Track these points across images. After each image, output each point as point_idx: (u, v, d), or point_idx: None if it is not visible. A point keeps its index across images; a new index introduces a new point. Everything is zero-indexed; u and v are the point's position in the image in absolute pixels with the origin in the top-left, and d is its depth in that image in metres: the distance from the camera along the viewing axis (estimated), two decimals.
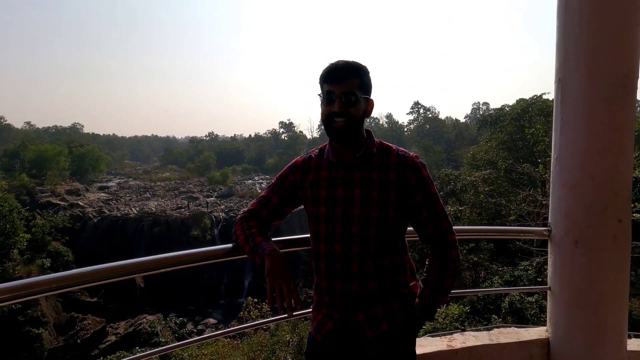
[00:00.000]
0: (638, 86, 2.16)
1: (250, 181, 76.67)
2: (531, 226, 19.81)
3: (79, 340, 23.30)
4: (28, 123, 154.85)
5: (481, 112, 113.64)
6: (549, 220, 2.37)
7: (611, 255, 2.13)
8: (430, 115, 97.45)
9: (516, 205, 22.29)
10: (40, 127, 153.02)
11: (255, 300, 16.11)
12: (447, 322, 14.79)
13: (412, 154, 1.69)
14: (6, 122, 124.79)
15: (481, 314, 16.30)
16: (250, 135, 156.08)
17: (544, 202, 16.11)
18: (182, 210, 46.76)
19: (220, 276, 41.64)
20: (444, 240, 1.68)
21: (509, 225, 22.12)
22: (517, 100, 50.78)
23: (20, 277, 23.40)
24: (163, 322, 23.68)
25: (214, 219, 44.52)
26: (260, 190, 61.74)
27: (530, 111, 27.92)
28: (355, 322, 1.69)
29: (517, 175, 25.87)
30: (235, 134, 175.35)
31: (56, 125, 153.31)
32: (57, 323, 25.17)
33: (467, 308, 15.21)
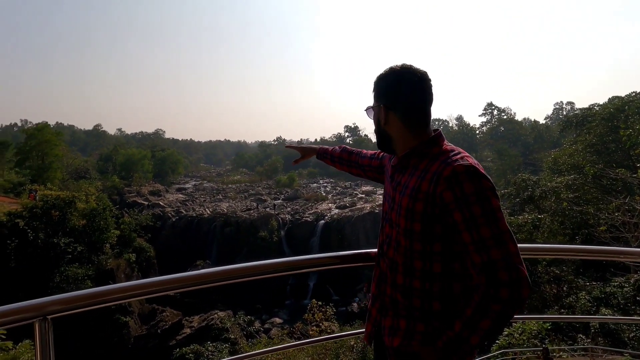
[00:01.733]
0: None
1: (315, 184, 77.82)
2: (627, 239, 17.63)
3: (159, 331, 25.17)
4: (119, 129, 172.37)
5: (565, 113, 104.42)
6: None
7: None
8: (505, 117, 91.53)
9: (607, 214, 20.04)
10: (129, 133, 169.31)
11: (320, 302, 16.13)
12: (525, 338, 13.60)
13: (461, 161, 1.39)
14: (102, 129, 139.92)
15: (564, 332, 14.76)
16: (316, 139, 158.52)
17: None
18: (251, 211, 48.70)
19: (286, 277, 42.51)
20: (492, 275, 1.28)
21: (599, 237, 19.94)
22: (609, 99, 45.89)
23: (111, 269, 25.94)
24: (232, 319, 24.68)
25: (281, 221, 45.77)
26: (324, 194, 62.35)
27: (626, 110, 24.94)
28: (382, 326, 1.63)
29: (609, 181, 23.25)
30: (302, 139, 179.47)
31: (142, 131, 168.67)
32: (141, 313, 27.40)
33: (548, 325, 13.86)
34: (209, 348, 16.77)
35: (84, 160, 64.90)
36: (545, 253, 2.80)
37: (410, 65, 1.56)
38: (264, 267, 2.05)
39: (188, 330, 25.57)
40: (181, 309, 28.79)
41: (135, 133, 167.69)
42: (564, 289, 18.62)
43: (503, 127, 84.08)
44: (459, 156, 1.43)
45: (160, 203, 52.01)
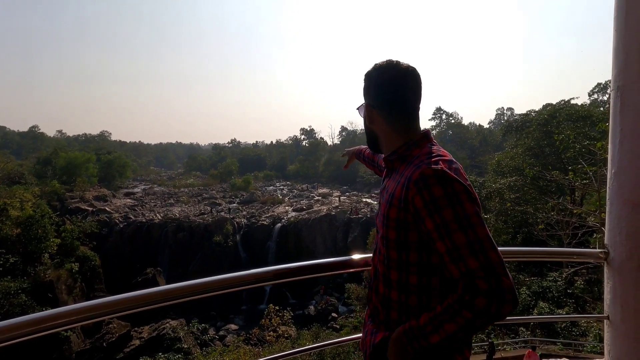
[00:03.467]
0: None
1: (271, 187, 77.11)
2: (560, 236, 19.05)
3: (105, 344, 23.75)
4: (60, 131, 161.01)
5: (505, 118, 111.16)
6: (606, 242, 2.15)
7: None
8: (452, 121, 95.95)
9: (544, 214, 21.56)
10: (71, 135, 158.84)
11: (277, 307, 15.97)
12: None
13: (433, 164, 1.28)
14: (40, 131, 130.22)
15: (507, 326, 15.68)
16: (272, 141, 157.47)
17: (575, 211, 15.49)
18: (205, 216, 47.36)
19: None
20: (470, 282, 1.16)
21: (537, 236, 21.38)
22: (543, 106, 49.44)
23: (51, 281, 24.18)
24: (185, 327, 23.81)
25: (236, 225, 44.89)
26: (281, 196, 61.97)
27: (558, 116, 27.04)
28: (366, 331, 1.59)
29: (545, 182, 25.04)
30: (257, 141, 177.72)
31: (85, 133, 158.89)
32: (84, 326, 25.73)
33: None
34: (160, 359, 16.02)
35: (17, 164, 59.87)
36: (515, 256, 2.92)
37: (396, 61, 1.46)
38: (254, 276, 1.82)
39: (137, 342, 24.33)
40: (129, 319, 27.36)
41: (78, 135, 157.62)
42: None
43: (451, 131, 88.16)
44: (433, 159, 1.31)
45: (107, 209, 49.13)
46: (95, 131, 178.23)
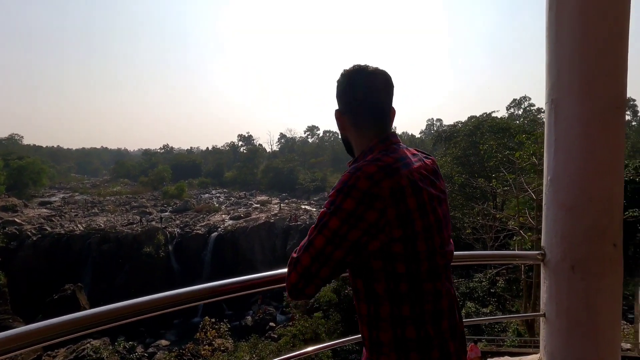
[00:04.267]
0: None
1: (207, 195, 74.54)
2: (485, 240, 20.55)
3: None
4: None
5: (435, 128, 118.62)
6: (542, 244, 2.29)
7: (608, 281, 2.07)
8: None
9: (471, 219, 23.15)
10: None
11: (213, 320, 15.30)
12: None
13: (352, 170, 1.25)
14: None
15: None
16: (207, 147, 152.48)
17: (498, 216, 16.84)
18: (134, 226, 44.33)
19: None
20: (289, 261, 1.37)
21: (465, 239, 22.86)
22: (468, 117, 53.47)
23: None
24: (110, 347, 21.96)
25: (169, 235, 42.61)
26: (217, 204, 60.06)
27: (481, 128, 29.36)
28: None
29: (471, 189, 26.99)
30: (191, 147, 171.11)
31: None
32: None
33: None
34: None
35: None
36: (464, 260, 2.99)
37: (364, 65, 1.42)
38: (188, 296, 1.73)
39: None
40: None
41: None
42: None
43: None
44: (364, 164, 1.25)
45: (16, 220, 44.01)
46: (2, 134, 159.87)
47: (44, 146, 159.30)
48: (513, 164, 16.40)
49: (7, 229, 39.65)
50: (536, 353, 2.57)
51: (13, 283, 29.52)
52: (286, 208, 56.52)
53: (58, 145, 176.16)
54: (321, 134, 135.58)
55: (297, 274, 1.25)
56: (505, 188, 14.62)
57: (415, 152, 1.49)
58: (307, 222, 47.51)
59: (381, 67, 1.45)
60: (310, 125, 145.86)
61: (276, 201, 63.47)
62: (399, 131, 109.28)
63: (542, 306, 2.35)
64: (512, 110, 68.48)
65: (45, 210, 53.68)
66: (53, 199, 64.92)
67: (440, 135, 35.97)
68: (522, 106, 68.05)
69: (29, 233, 40.56)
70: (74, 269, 37.85)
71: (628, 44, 2.05)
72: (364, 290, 1.29)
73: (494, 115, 31.98)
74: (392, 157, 1.30)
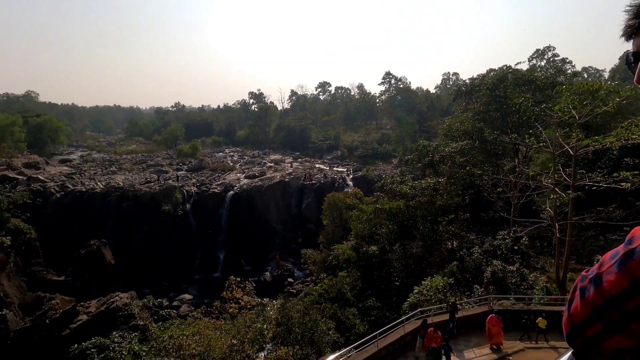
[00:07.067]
0: None
1: (221, 154, 74.56)
2: (508, 196, 20.12)
3: (47, 321, 22.24)
4: None
5: (451, 83, 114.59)
6: None
7: None
8: (401, 86, 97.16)
9: (492, 175, 22.62)
10: None
11: (238, 279, 15.55)
12: (432, 293, 14.95)
13: None
14: None
15: (463, 285, 16.61)
16: (218, 105, 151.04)
17: (530, 172, 16.24)
18: (152, 184, 44.90)
19: (194, 251, 40.85)
20: None
21: (487, 197, 22.43)
22: (488, 70, 51.16)
23: None
24: (139, 302, 22.82)
25: (186, 194, 43.11)
26: (231, 163, 60.12)
27: (505, 81, 27.96)
28: None
29: (492, 145, 26.17)
30: (203, 105, 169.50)
31: (7, 93, 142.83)
32: (22, 303, 23.93)
33: (451, 279, 15.39)
34: (115, 339, 15.08)
35: None
36: None
37: None
38: None
39: (84, 317, 23.02)
40: (74, 294, 25.82)
41: None
42: (455, 244, 20.83)
43: (400, 96, 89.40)
44: None
45: (40, 177, 44.94)
46: (19, 91, 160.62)
47: (59, 104, 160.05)
48: (549, 117, 15.54)
49: (32, 186, 40.59)
50: None
51: (42, 238, 30.50)
52: (300, 167, 56.37)
53: (73, 103, 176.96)
54: (333, 91, 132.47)
55: None
56: (541, 144, 13.95)
57: None
58: (322, 181, 47.42)
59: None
60: (321, 81, 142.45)
61: (289, 160, 63.23)
62: (413, 86, 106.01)
63: None
64: (534, 61, 65.14)
65: (65, 167, 54.56)
66: (72, 156, 65.84)
67: (459, 90, 34.53)
68: (545, 57, 64.49)
69: (53, 190, 41.47)
70: (96, 225, 38.91)
71: None
72: None
73: (517, 67, 30.40)
74: None
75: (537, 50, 66.50)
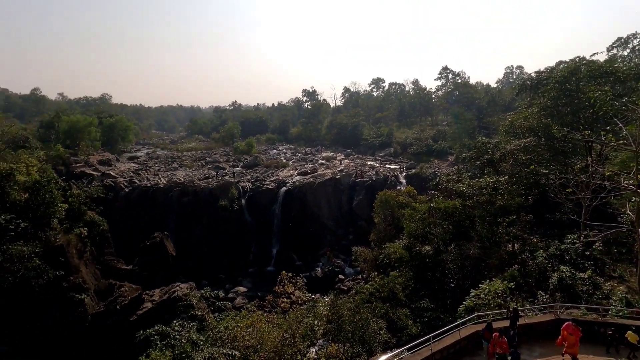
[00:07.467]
0: None
1: (274, 151, 76.35)
2: (578, 197, 18.53)
3: (118, 306, 24.07)
4: (61, 94, 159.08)
5: (514, 77, 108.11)
6: None
7: None
8: (459, 81, 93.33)
9: (560, 175, 21.00)
10: (72, 98, 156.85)
11: (290, 274, 15.80)
12: (490, 297, 14.18)
13: None
14: (41, 94, 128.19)
15: (525, 290, 15.57)
16: (273, 104, 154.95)
17: (607, 173, 14.78)
18: (210, 180, 47.08)
19: (248, 245, 42.25)
20: None
21: (554, 198, 20.83)
22: (556, 63, 47.56)
23: (61, 245, 24.12)
24: (198, 293, 24.02)
25: (241, 189, 44.65)
26: (285, 160, 61.35)
27: (577, 74, 25.74)
28: None
29: (561, 143, 24.26)
30: (258, 103, 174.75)
31: (87, 96, 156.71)
32: (97, 289, 26.05)
33: (512, 284, 14.49)
34: (175, 327, 16.12)
35: (22, 128, 58.97)
36: None
37: None
38: None
39: (149, 305, 24.63)
40: (140, 283, 27.70)
41: (79, 98, 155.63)
42: (516, 246, 19.58)
43: (457, 91, 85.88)
44: None
45: (112, 173, 48.91)
46: (96, 94, 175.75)
47: (129, 105, 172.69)
48: (632, 112, 13.99)
49: (104, 181, 44.21)
50: None
51: (112, 229, 33.04)
52: (351, 164, 56.15)
53: (140, 104, 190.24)
54: (386, 87, 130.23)
55: None
56: (621, 141, 12.60)
57: None
58: (373, 178, 46.87)
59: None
60: (375, 77, 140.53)
61: (341, 157, 63.21)
62: (472, 81, 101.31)
63: None
64: (614, 51, 59.26)
65: (133, 164, 58.91)
66: (139, 154, 70.90)
67: (524, 84, 32.37)
68: (630, 45, 58.31)
69: (122, 185, 44.90)
70: (159, 218, 41.49)
71: None
72: None
73: (594, 58, 27.87)
74: None
75: (619, 38, 60.55)
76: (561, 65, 44.87)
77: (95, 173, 47.98)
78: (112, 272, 29.86)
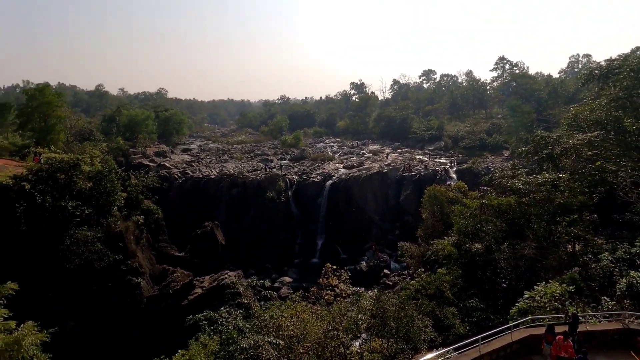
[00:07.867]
0: None
1: (321, 144, 76.63)
2: None
3: (170, 291, 25.40)
4: (122, 89, 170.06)
5: (580, 66, 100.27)
6: None
7: None
8: (517, 71, 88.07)
9: (629, 172, 19.21)
10: (131, 93, 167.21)
11: (334, 267, 15.76)
12: (546, 300, 13.27)
13: None
14: (104, 90, 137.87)
15: (587, 295, 14.39)
16: (320, 97, 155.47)
17: None
18: (258, 172, 48.23)
19: (294, 236, 42.92)
20: None
21: (624, 197, 19.10)
22: (632, 49, 43.37)
23: (120, 232, 25.79)
24: (245, 281, 24.76)
25: (288, 182, 45.31)
26: (331, 153, 61.37)
27: None
28: None
29: (633, 137, 22.10)
30: (306, 97, 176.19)
31: (145, 91, 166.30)
32: (152, 274, 27.63)
33: (572, 287, 13.44)
34: (223, 314, 16.78)
35: (87, 122, 63.87)
36: None
37: None
38: None
39: (199, 291, 25.80)
40: (191, 269, 29.02)
41: (138, 93, 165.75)
42: (577, 247, 18.16)
43: (515, 82, 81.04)
44: None
45: (166, 164, 51.61)
46: (153, 89, 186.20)
47: (183, 99, 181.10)
48: None
49: (160, 172, 46.71)
50: None
51: (166, 218, 34.85)
52: (399, 158, 54.99)
53: (194, 98, 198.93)
54: (438, 79, 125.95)
55: None
56: None
57: None
58: (422, 173, 45.59)
59: None
60: (425, 69, 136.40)
61: (388, 150, 62.11)
62: (531, 71, 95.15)
63: None
64: None
65: (186, 156, 61.80)
66: (192, 146, 74.23)
67: (591, 74, 29.73)
68: None
69: (176, 176, 47.22)
70: (210, 209, 43.21)
71: None
72: None
73: None
74: None
75: None
76: (638, 52, 40.81)
77: (151, 164, 50.80)
78: (165, 258, 31.53)
